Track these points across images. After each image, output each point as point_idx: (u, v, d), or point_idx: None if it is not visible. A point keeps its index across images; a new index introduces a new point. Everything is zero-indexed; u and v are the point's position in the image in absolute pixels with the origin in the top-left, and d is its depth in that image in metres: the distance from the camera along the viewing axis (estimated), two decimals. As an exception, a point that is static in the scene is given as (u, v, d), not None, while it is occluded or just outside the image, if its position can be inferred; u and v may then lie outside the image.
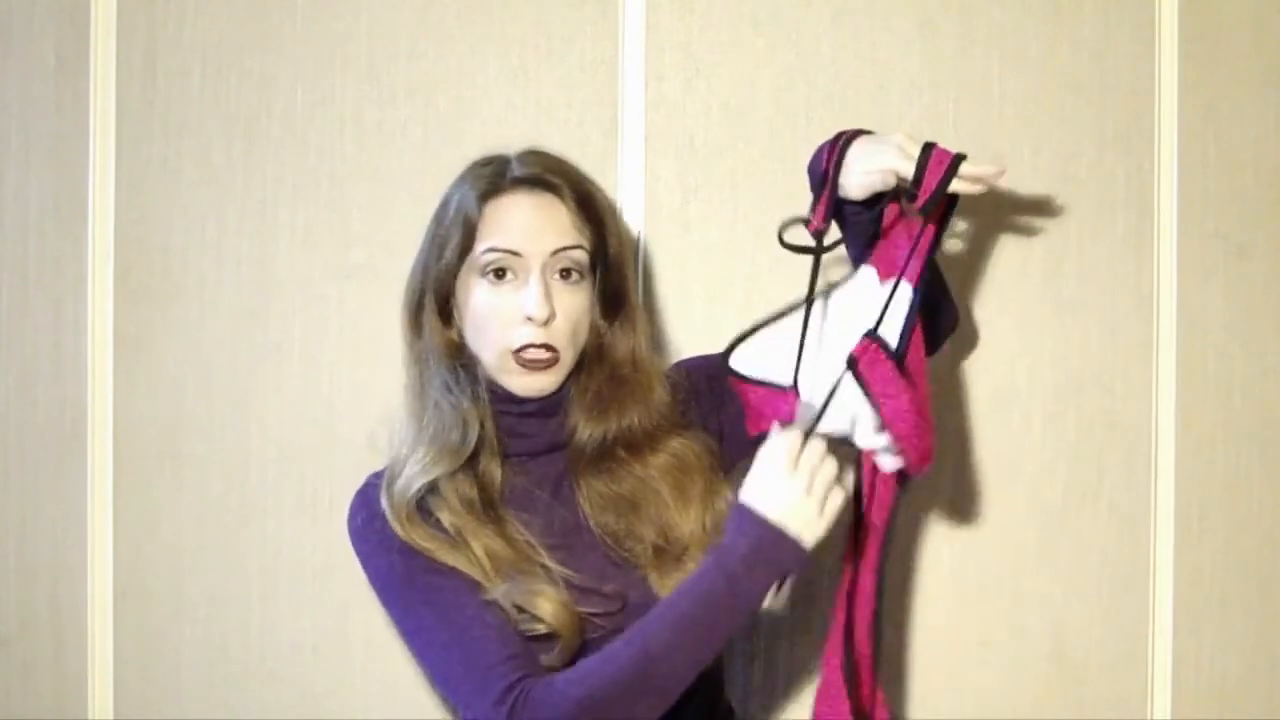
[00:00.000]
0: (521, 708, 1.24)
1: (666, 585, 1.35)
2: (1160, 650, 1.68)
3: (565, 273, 1.37)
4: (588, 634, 1.32)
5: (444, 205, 1.42)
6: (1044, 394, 1.67)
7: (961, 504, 1.67)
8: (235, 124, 1.67)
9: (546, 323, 1.36)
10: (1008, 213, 1.66)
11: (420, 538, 1.34)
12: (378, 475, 1.42)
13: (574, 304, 1.38)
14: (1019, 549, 1.67)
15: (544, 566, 1.34)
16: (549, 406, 1.41)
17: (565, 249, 1.36)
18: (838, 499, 1.29)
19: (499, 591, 1.32)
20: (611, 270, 1.41)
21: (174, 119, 1.68)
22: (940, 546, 1.67)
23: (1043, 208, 1.67)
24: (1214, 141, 1.67)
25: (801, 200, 1.65)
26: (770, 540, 1.27)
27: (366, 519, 1.39)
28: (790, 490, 1.28)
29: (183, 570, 1.68)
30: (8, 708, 1.69)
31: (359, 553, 1.40)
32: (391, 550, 1.36)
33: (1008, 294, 1.66)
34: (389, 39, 1.67)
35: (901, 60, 1.66)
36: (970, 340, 1.66)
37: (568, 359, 1.39)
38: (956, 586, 1.67)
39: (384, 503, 1.37)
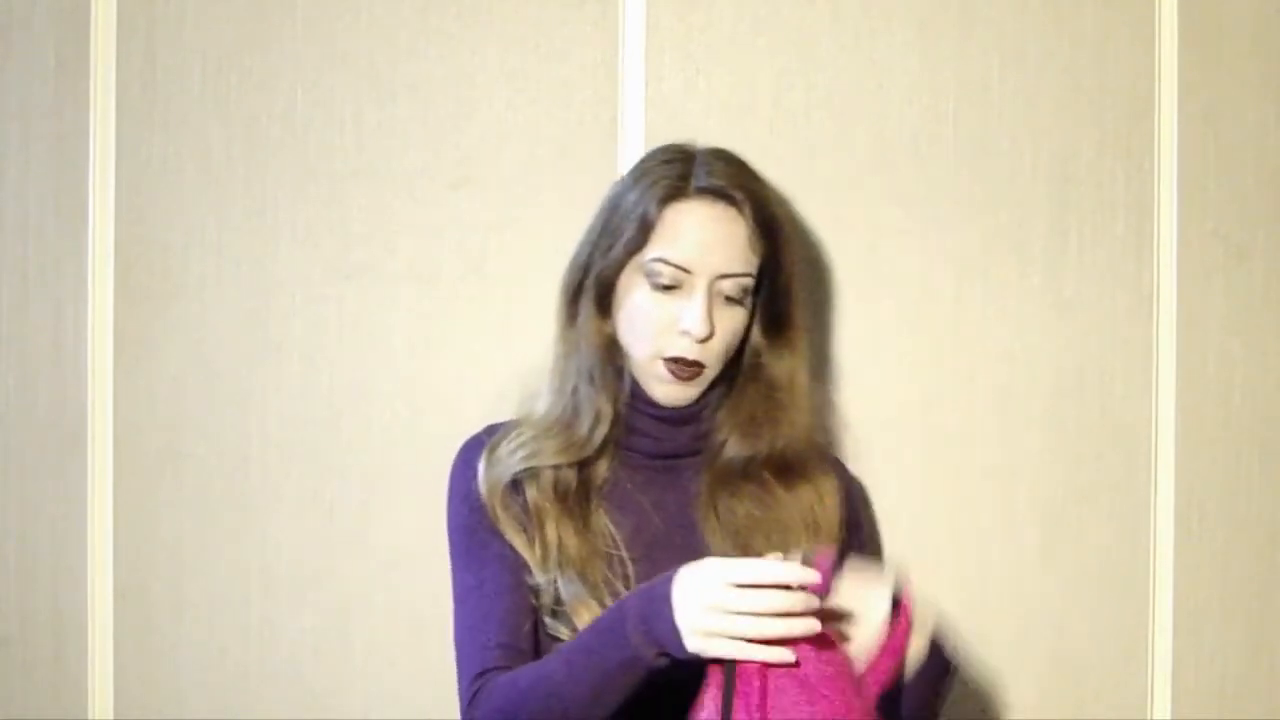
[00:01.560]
0: (480, 695, 1.29)
1: None
2: (1160, 650, 1.68)
3: (729, 296, 1.36)
4: None
5: (621, 194, 1.40)
6: (1044, 394, 1.67)
7: (961, 504, 1.67)
8: (235, 124, 1.67)
9: (704, 340, 1.34)
10: (1008, 213, 1.66)
11: (499, 506, 1.36)
12: (496, 427, 1.43)
13: (732, 323, 1.37)
14: (1019, 549, 1.67)
15: (606, 579, 1.33)
16: (684, 415, 1.40)
17: (733, 275, 1.35)
18: (724, 647, 1.14)
19: (553, 580, 1.32)
20: (778, 293, 1.39)
21: (174, 119, 1.68)
22: (940, 546, 1.67)
23: (1043, 208, 1.67)
24: (1214, 141, 1.67)
25: (801, 201, 1.65)
26: (658, 609, 1.18)
27: (462, 467, 1.41)
28: (713, 595, 1.15)
29: (183, 570, 1.68)
30: (8, 708, 1.69)
31: (448, 488, 1.42)
32: (468, 501, 1.39)
33: (1008, 294, 1.66)
34: (389, 39, 1.67)
35: (901, 60, 1.66)
36: (970, 340, 1.66)
37: (712, 374, 1.38)
38: (957, 586, 1.67)
39: (481, 463, 1.38)
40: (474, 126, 1.67)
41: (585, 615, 1.30)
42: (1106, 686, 1.68)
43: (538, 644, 1.34)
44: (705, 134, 1.65)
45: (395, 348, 1.67)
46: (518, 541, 1.35)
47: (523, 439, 1.39)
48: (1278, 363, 1.69)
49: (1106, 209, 1.67)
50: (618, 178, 1.64)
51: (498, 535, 1.36)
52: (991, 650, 1.67)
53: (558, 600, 1.32)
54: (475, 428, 1.48)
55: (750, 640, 1.14)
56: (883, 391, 1.66)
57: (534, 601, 1.34)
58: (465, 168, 1.67)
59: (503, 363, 1.55)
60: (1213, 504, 1.68)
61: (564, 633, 1.31)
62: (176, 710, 1.68)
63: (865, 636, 1.22)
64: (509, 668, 1.30)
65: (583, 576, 1.32)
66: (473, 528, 1.38)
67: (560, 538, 1.34)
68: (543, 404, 1.42)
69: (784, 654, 1.15)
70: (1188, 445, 1.68)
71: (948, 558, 1.67)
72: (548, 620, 1.33)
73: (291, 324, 1.67)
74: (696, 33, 1.66)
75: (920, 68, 1.66)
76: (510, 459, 1.38)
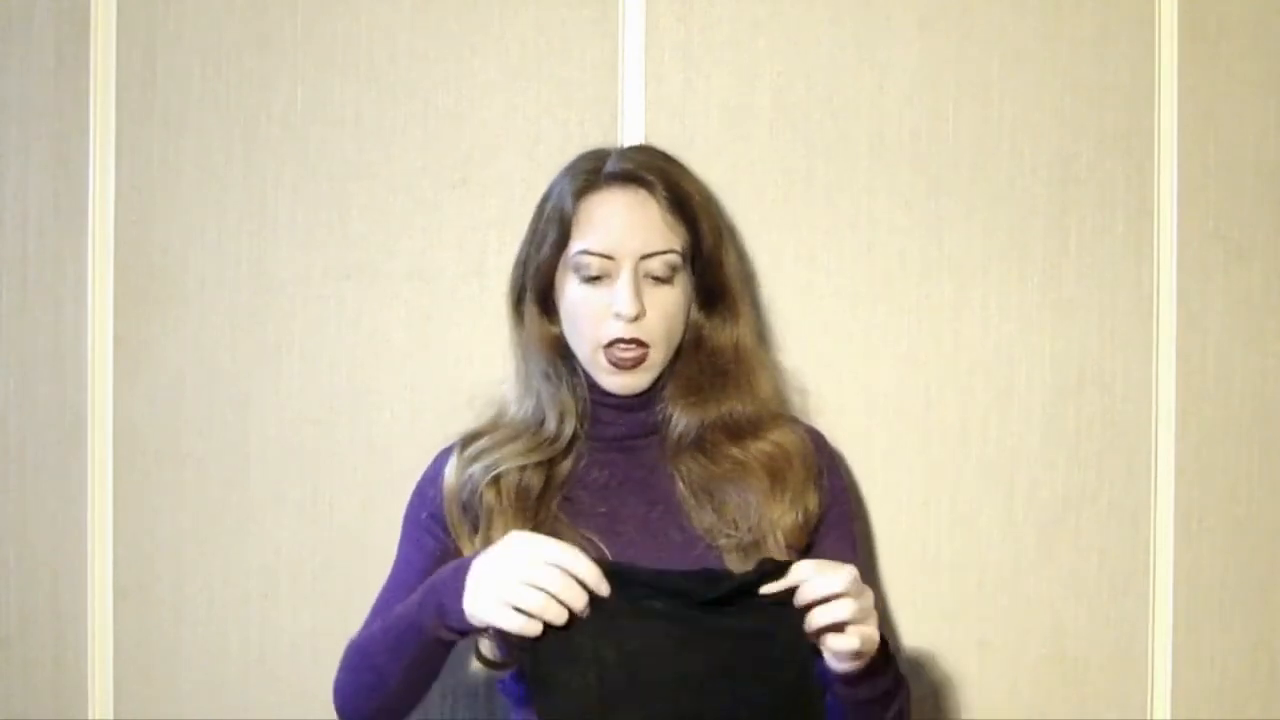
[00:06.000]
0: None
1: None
2: (1160, 650, 1.68)
3: (657, 276, 1.38)
4: None
5: (545, 198, 1.45)
6: (1044, 394, 1.67)
7: (961, 504, 1.67)
8: (235, 124, 1.67)
9: (636, 319, 1.37)
10: (1008, 213, 1.66)
11: (457, 510, 1.40)
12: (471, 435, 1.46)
13: (667, 301, 1.39)
14: (1019, 549, 1.67)
15: None
16: (640, 401, 1.43)
17: (655, 254, 1.38)
18: (513, 622, 1.18)
19: None
20: (707, 266, 1.42)
21: (174, 119, 1.68)
22: (940, 546, 1.67)
23: (1043, 208, 1.67)
24: (1214, 141, 1.67)
25: (799, 203, 1.66)
26: (446, 583, 1.25)
27: (431, 468, 1.46)
28: (505, 568, 1.20)
29: (183, 570, 1.68)
30: (8, 708, 1.69)
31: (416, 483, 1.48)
32: (421, 496, 1.45)
33: (1008, 294, 1.66)
34: (389, 39, 1.67)
35: (901, 60, 1.66)
36: (970, 340, 1.66)
37: (659, 357, 1.40)
38: (956, 586, 1.67)
39: (451, 466, 1.41)
40: (474, 126, 1.67)
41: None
42: (1106, 686, 1.68)
43: None
44: (705, 134, 1.65)
45: (395, 348, 1.67)
46: (467, 547, 1.38)
47: (493, 442, 1.42)
48: (1278, 363, 1.69)
49: (1106, 209, 1.67)
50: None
51: (434, 535, 1.42)
52: (992, 650, 1.67)
53: None
54: (474, 427, 1.49)
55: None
56: (882, 391, 1.66)
57: None
58: (465, 168, 1.67)
59: (502, 363, 1.55)
60: (1213, 504, 1.68)
61: (485, 645, 1.35)
62: (176, 710, 1.68)
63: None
64: None
65: None
66: (414, 519, 1.45)
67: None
68: (512, 407, 1.46)
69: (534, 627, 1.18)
70: (1188, 445, 1.68)
71: (947, 557, 1.67)
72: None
73: (291, 324, 1.67)
74: (696, 33, 1.66)
75: (920, 68, 1.66)
76: (477, 465, 1.40)
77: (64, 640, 1.69)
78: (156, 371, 1.68)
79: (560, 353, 1.43)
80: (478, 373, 1.63)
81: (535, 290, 1.43)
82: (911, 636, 1.66)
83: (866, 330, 1.66)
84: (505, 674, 1.38)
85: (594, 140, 1.64)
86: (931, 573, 1.67)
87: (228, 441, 1.68)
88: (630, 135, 1.65)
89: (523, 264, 1.45)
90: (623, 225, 1.38)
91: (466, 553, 1.38)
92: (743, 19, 1.66)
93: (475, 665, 1.43)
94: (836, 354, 1.66)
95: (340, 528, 1.67)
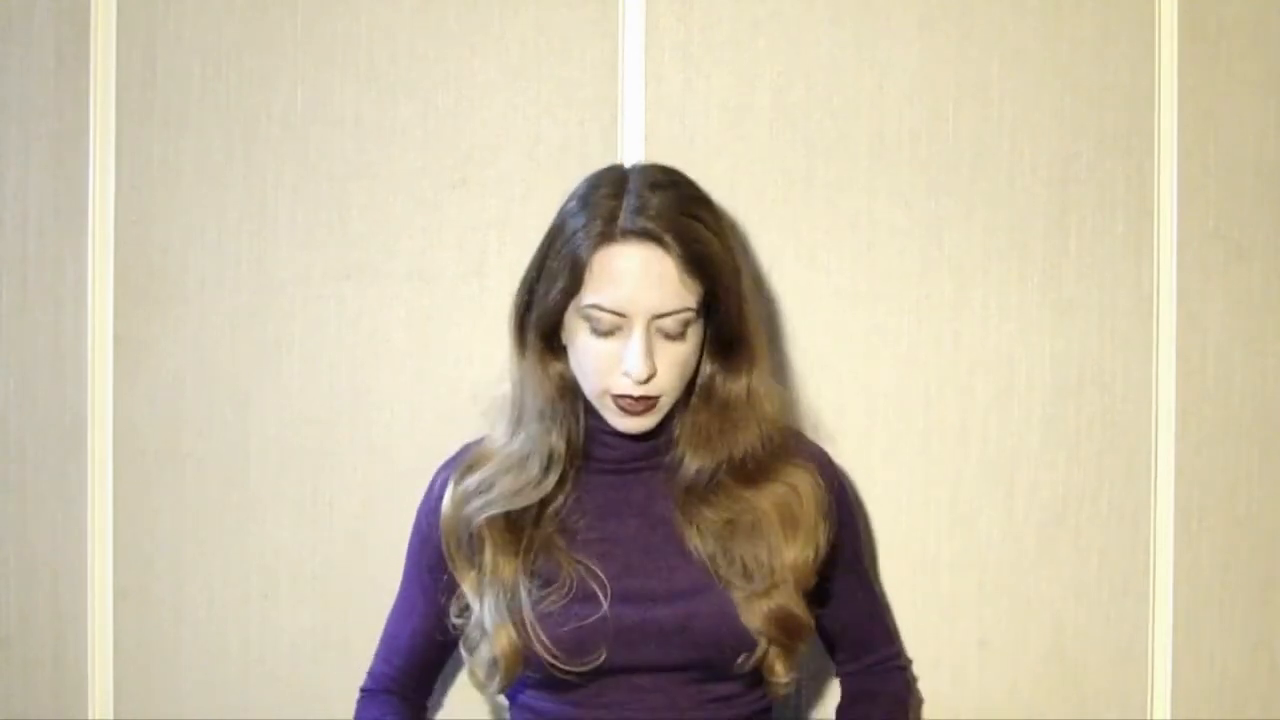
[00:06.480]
0: (357, 702, 1.56)
1: (753, 613, 1.37)
2: (1160, 650, 1.68)
3: (669, 334, 1.35)
4: (548, 671, 1.37)
5: (558, 227, 1.39)
6: (1044, 394, 1.67)
7: (961, 503, 1.67)
8: (235, 124, 1.67)
9: (647, 380, 1.34)
10: (1008, 213, 1.66)
11: (454, 544, 1.42)
12: (468, 448, 1.48)
13: (678, 355, 1.36)
14: (1019, 549, 1.67)
15: (539, 599, 1.38)
16: (644, 434, 1.42)
17: (669, 314, 1.34)
18: None
19: (483, 604, 1.40)
20: (723, 317, 1.38)
21: (174, 119, 1.68)
22: (940, 546, 1.67)
23: (1043, 208, 1.67)
24: (1214, 141, 1.67)
25: (799, 203, 1.66)
26: None
27: (429, 495, 1.49)
28: None
29: (183, 570, 1.68)
30: (8, 708, 1.69)
31: (417, 508, 1.50)
32: (420, 532, 1.49)
33: (1008, 294, 1.66)
34: (389, 39, 1.67)
35: (901, 60, 1.66)
36: (970, 340, 1.66)
37: (668, 401, 1.39)
38: (956, 586, 1.67)
39: (448, 497, 1.43)
40: (474, 126, 1.67)
41: (503, 638, 1.37)
42: (1106, 686, 1.68)
43: (432, 676, 1.57)
44: (705, 134, 1.65)
45: (395, 348, 1.67)
46: (465, 575, 1.41)
47: (484, 476, 1.42)
48: (1278, 363, 1.69)
49: (1106, 209, 1.67)
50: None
51: (428, 564, 1.46)
52: (991, 650, 1.67)
53: (483, 630, 1.39)
54: (473, 428, 1.50)
55: None
56: (882, 391, 1.66)
57: (441, 639, 1.47)
58: (465, 168, 1.67)
59: (502, 363, 1.55)
60: (1213, 504, 1.68)
61: (479, 672, 1.42)
62: (176, 710, 1.68)
63: None
64: (381, 690, 1.54)
65: (509, 599, 1.38)
66: (415, 557, 1.50)
67: (497, 561, 1.39)
68: (500, 431, 1.44)
69: None
70: (1188, 445, 1.68)
71: (947, 557, 1.67)
72: (465, 654, 1.43)
73: (291, 324, 1.67)
74: (696, 33, 1.66)
75: (920, 68, 1.66)
76: (470, 505, 1.41)
77: (64, 640, 1.69)
78: (156, 371, 1.68)
79: (561, 391, 1.40)
80: (478, 373, 1.63)
81: (542, 329, 1.39)
82: (911, 636, 1.66)
83: (866, 330, 1.66)
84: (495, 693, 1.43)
85: (594, 140, 1.64)
86: (931, 573, 1.67)
87: (228, 441, 1.68)
88: (630, 135, 1.65)
89: (529, 292, 1.40)
90: (637, 284, 1.33)
91: (464, 582, 1.41)
92: (743, 19, 1.66)
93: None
94: (836, 354, 1.66)
95: (340, 528, 1.68)
